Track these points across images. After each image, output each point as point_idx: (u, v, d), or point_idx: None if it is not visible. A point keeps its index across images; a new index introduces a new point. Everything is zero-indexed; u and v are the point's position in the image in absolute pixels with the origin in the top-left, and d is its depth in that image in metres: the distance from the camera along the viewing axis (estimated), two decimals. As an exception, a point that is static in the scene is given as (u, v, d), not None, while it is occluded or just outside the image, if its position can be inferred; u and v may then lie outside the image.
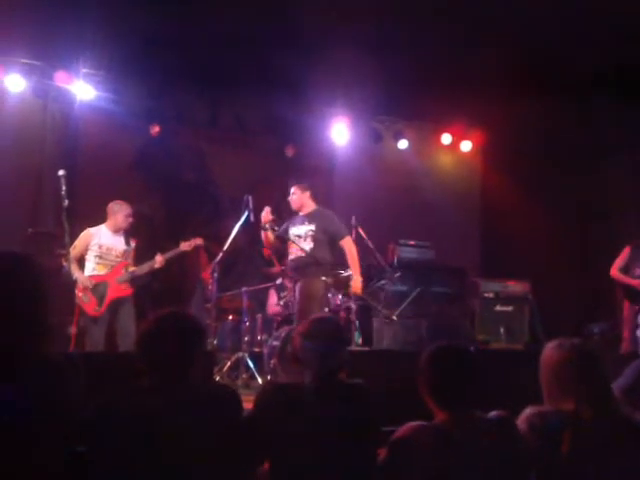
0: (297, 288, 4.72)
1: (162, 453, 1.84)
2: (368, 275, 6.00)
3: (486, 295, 6.17)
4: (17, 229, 5.58)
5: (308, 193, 4.87)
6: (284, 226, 4.93)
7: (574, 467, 1.87)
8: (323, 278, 4.71)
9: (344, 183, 7.33)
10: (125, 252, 4.87)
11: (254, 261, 6.49)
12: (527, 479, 1.95)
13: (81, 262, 4.78)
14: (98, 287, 4.71)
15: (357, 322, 5.59)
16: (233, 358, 5.31)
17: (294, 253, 4.78)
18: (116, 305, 4.74)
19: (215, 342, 5.27)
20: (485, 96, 6.15)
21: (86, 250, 4.78)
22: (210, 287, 5.63)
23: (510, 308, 6.11)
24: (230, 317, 6.02)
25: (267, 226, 4.75)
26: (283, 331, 5.28)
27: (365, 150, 7.40)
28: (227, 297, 5.90)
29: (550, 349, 2.02)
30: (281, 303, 5.57)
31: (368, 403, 2.10)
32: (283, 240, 4.86)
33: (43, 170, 6.08)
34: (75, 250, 4.64)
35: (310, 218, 4.81)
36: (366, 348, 5.35)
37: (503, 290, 6.21)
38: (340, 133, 7.26)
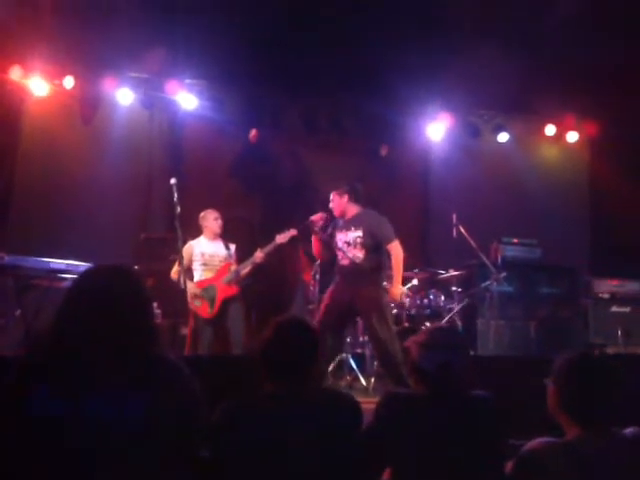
0: (355, 296, 4.30)
1: (288, 461, 1.85)
2: (472, 275, 5.85)
3: (600, 295, 5.82)
4: (130, 235, 5.90)
5: (346, 197, 4.52)
6: (329, 231, 4.62)
7: None
8: (384, 284, 4.47)
9: (441, 180, 7.19)
10: (227, 256, 5.03)
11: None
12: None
13: (189, 273, 4.98)
14: (208, 290, 4.89)
15: (460, 324, 5.48)
16: (336, 359, 5.33)
17: (346, 259, 4.43)
18: (226, 305, 4.90)
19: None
20: (598, 87, 5.82)
21: (191, 261, 5.01)
22: (312, 288, 5.71)
23: (627, 309, 5.74)
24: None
25: (316, 229, 4.46)
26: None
27: (462, 146, 7.21)
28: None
29: None
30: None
31: (494, 414, 2.02)
32: (329, 246, 4.53)
33: (152, 177, 6.41)
34: (178, 265, 4.84)
35: (356, 223, 4.47)
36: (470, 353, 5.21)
37: (619, 290, 5.83)
38: (435, 129, 7.12)
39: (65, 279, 4.22)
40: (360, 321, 5.67)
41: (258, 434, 1.87)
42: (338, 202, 4.58)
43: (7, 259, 4.10)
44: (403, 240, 6.89)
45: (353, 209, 4.57)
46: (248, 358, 3.51)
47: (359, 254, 4.42)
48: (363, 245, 4.42)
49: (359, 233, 4.45)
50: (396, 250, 4.42)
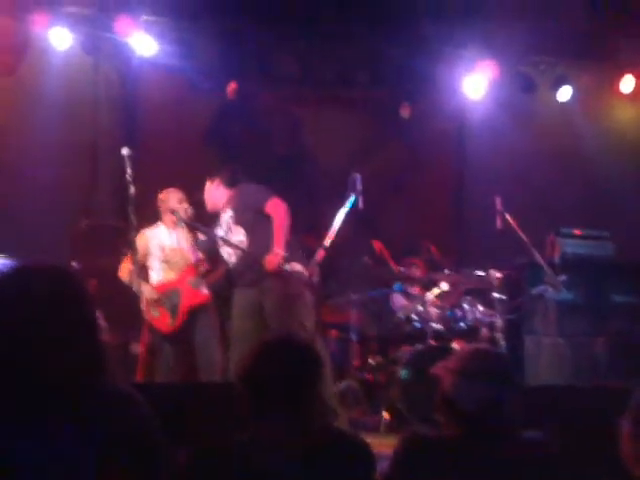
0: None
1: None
2: (520, 279, 5.86)
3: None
4: (66, 222, 5.89)
5: (218, 183, 5.00)
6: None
7: None
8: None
9: (481, 152, 7.21)
10: (193, 250, 5.06)
11: (364, 260, 6.51)
12: None
13: (144, 272, 4.99)
14: (169, 296, 4.91)
15: (503, 343, 5.50)
16: (340, 387, 5.36)
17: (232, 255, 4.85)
18: (193, 316, 4.92)
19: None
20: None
21: (146, 257, 5.00)
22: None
23: None
24: (333, 333, 6.10)
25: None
26: (405, 353, 5.30)
27: (509, 105, 7.21)
28: (329, 307, 6.01)
29: None
30: (400, 315, 5.62)
31: (551, 463, 2.05)
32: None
33: (97, 147, 6.42)
34: (129, 262, 4.87)
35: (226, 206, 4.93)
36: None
37: None
38: (474, 83, 7.11)
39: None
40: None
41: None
42: (209, 190, 5.01)
43: None
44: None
45: (226, 195, 4.95)
46: (222, 387, 3.53)
47: (239, 237, 4.75)
48: (237, 221, 4.76)
49: (230, 212, 4.84)
50: (276, 208, 4.73)
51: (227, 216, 4.87)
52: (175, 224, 5.09)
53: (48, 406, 1.68)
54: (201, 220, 5.20)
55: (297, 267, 4.72)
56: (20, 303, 1.72)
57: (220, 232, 4.87)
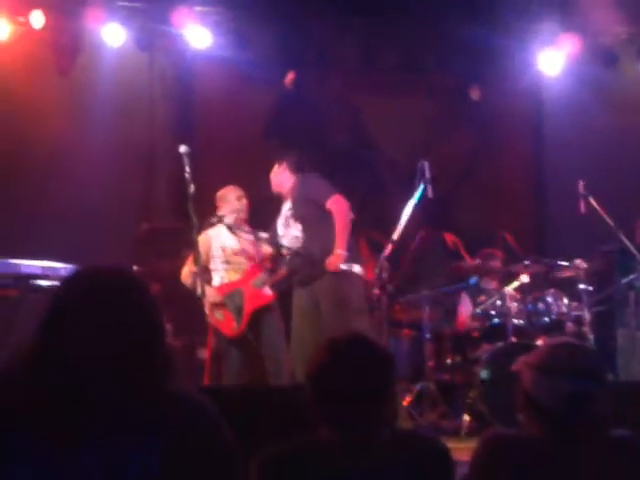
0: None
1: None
2: (609, 268, 5.74)
3: None
4: (127, 226, 6.04)
5: (284, 167, 5.15)
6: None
7: None
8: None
9: (559, 131, 7.11)
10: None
11: (436, 254, 6.48)
12: None
13: (207, 274, 5.04)
14: (232, 298, 4.97)
15: (591, 337, 5.41)
16: (415, 389, 5.38)
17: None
18: (258, 317, 4.98)
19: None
20: None
21: (208, 259, 5.07)
22: (376, 291, 5.73)
23: None
24: (406, 332, 6.09)
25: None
26: (484, 352, 5.26)
27: (590, 82, 7.06)
28: (401, 305, 5.98)
29: None
30: (478, 311, 5.56)
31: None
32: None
33: (154, 145, 6.54)
34: (191, 264, 4.93)
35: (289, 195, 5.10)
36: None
37: None
38: (551, 59, 7.00)
39: (42, 287, 4.36)
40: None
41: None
42: (276, 173, 5.19)
43: (-42, 264, 4.21)
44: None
45: (291, 181, 5.12)
46: (293, 389, 3.57)
47: (295, 232, 4.93)
48: (296, 217, 4.93)
49: (289, 204, 5.04)
50: (337, 206, 4.86)
51: (287, 208, 5.04)
52: (237, 222, 5.14)
53: (115, 413, 1.73)
54: (264, 215, 5.28)
55: (356, 268, 4.86)
56: (85, 305, 1.75)
57: (279, 222, 5.07)
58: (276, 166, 5.19)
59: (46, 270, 4.35)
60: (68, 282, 1.86)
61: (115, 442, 1.68)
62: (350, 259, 4.83)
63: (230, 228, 5.05)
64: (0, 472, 1.69)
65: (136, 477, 1.68)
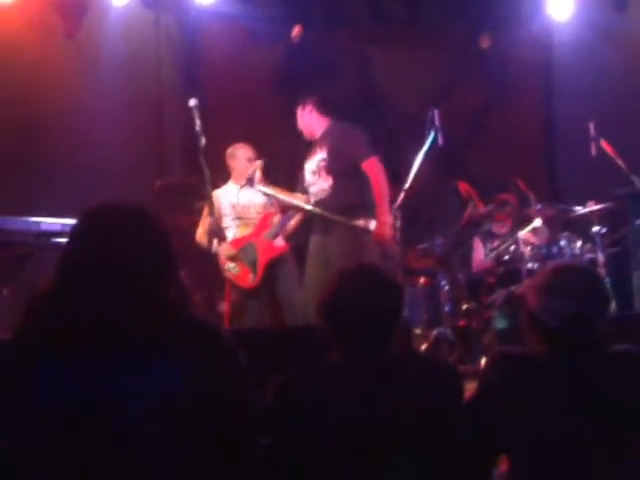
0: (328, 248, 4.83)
1: (367, 447, 1.99)
2: (621, 210, 5.77)
3: None
4: (141, 183, 6.11)
5: (311, 108, 5.02)
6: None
7: None
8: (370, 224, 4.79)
9: (569, 76, 7.06)
10: (267, 204, 5.23)
11: (448, 201, 6.53)
12: None
13: (220, 231, 5.12)
14: (246, 251, 5.08)
15: (608, 279, 5.46)
16: (432, 335, 5.47)
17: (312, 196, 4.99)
18: (273, 268, 5.09)
19: (404, 314, 5.45)
20: None
21: (220, 217, 5.17)
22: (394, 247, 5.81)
23: None
24: (421, 280, 6.17)
25: None
26: (499, 296, 5.34)
27: (600, 25, 7.01)
28: (415, 253, 6.04)
29: None
30: (492, 256, 5.64)
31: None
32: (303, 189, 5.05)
33: (163, 101, 6.58)
34: (206, 222, 5.04)
35: (321, 142, 4.96)
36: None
37: None
38: (560, 4, 6.96)
39: (62, 244, 4.45)
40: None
41: (326, 412, 2.01)
42: (302, 116, 5.02)
43: (-20, 221, 4.31)
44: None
45: (322, 124, 4.97)
46: (306, 329, 3.68)
47: (324, 185, 4.80)
48: (328, 170, 4.75)
49: (323, 155, 4.84)
50: (374, 170, 4.74)
51: (319, 157, 4.94)
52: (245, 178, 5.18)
53: (139, 335, 1.82)
54: (272, 172, 5.32)
55: (372, 224, 4.80)
56: (111, 235, 1.85)
57: (307, 168, 5.01)
58: (299, 109, 5.08)
59: (65, 227, 4.41)
60: (86, 216, 1.96)
61: (136, 365, 1.79)
62: (368, 215, 4.81)
63: (260, 190, 5.05)
64: (33, 396, 1.79)
65: (157, 398, 1.78)
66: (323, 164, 4.90)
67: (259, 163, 5.07)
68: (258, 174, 5.03)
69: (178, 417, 1.79)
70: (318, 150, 4.96)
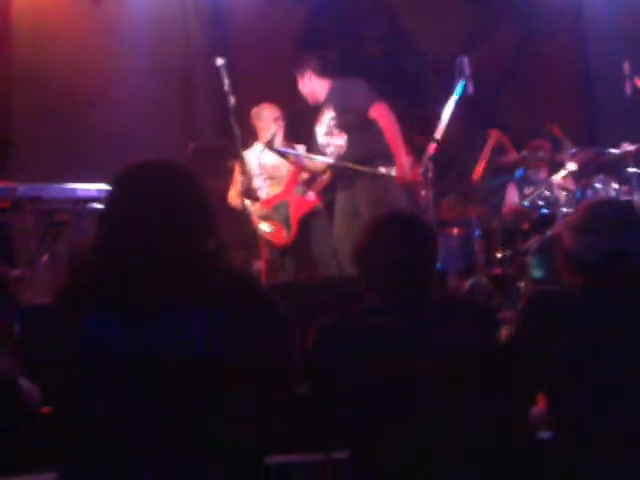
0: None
1: (414, 391, 2.04)
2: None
3: None
4: (174, 146, 6.13)
5: (310, 74, 4.99)
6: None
7: None
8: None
9: (601, 16, 6.99)
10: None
11: (479, 150, 6.48)
12: None
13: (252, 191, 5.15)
14: (278, 209, 5.14)
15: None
16: (467, 285, 5.44)
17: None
18: (306, 224, 5.15)
19: (438, 265, 5.46)
20: None
21: (251, 178, 5.12)
22: (423, 192, 5.79)
23: None
24: (455, 231, 6.14)
25: None
26: (534, 242, 5.30)
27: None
28: (448, 203, 6.03)
29: None
30: (526, 203, 5.60)
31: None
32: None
33: (192, 66, 6.58)
34: (238, 183, 5.08)
35: (327, 102, 4.96)
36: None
37: None
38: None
39: (98, 210, 4.51)
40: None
41: (368, 353, 2.06)
42: (303, 85, 5.02)
43: (21, 189, 4.29)
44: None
45: (324, 87, 4.96)
46: (341, 279, 3.69)
47: (339, 141, 4.81)
48: (341, 127, 4.78)
49: (331, 114, 4.88)
50: (382, 114, 4.74)
51: (328, 117, 4.96)
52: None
53: (178, 285, 1.86)
54: (301, 129, 5.33)
55: (392, 170, 4.78)
56: (149, 191, 1.90)
57: (319, 131, 5.00)
58: (299, 78, 5.07)
59: (101, 193, 4.43)
60: (124, 173, 2.00)
61: (180, 317, 1.84)
62: (389, 162, 4.79)
63: (278, 152, 5.06)
64: (80, 354, 1.85)
65: (202, 347, 1.83)
66: (334, 122, 4.92)
67: (276, 127, 5.14)
68: (279, 137, 5.08)
69: (222, 366, 1.84)
70: (325, 111, 4.98)
